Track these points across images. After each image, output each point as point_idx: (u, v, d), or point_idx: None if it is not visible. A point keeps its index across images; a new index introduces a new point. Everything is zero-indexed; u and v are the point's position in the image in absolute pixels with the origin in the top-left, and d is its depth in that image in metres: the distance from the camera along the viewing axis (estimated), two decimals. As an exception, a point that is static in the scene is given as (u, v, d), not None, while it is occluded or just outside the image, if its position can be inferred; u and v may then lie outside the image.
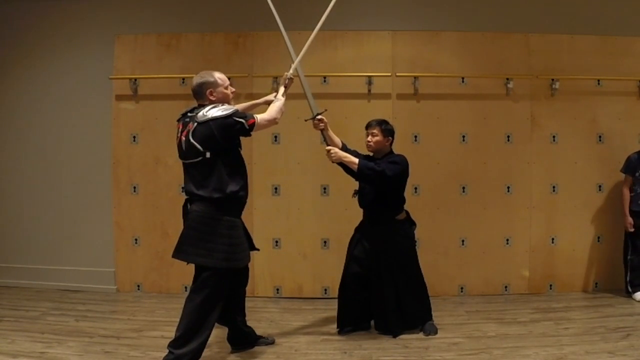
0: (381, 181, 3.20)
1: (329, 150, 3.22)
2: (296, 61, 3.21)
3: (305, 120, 3.36)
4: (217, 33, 4.32)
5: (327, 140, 3.34)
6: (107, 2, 4.41)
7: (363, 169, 3.17)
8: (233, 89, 2.96)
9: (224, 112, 2.72)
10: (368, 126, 3.41)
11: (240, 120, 2.74)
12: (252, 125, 2.78)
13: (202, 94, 2.82)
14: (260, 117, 2.85)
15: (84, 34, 4.41)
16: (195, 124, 2.72)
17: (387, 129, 3.38)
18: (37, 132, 4.49)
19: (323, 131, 3.32)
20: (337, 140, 3.40)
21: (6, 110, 4.55)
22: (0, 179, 4.58)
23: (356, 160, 3.19)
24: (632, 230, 4.12)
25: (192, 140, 2.71)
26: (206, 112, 2.72)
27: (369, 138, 3.38)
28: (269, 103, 3.12)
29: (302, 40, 4.28)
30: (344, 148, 3.38)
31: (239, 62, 4.28)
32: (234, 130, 2.74)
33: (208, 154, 2.69)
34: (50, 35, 4.45)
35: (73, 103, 4.43)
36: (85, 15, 4.42)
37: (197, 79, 2.84)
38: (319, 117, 3.28)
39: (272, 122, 2.93)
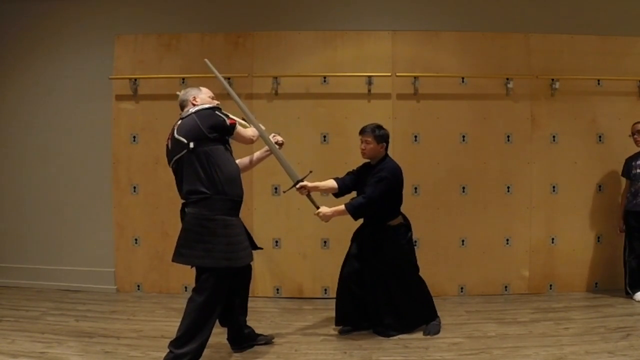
0: (375, 206, 3.25)
1: (317, 215, 3.26)
2: (263, 134, 3.15)
3: (284, 192, 3.38)
4: (217, 33, 4.32)
5: (315, 204, 3.30)
6: (107, 2, 4.41)
7: (355, 212, 3.25)
8: (217, 102, 3.01)
9: (207, 105, 2.85)
10: (361, 132, 3.39)
11: (222, 115, 2.83)
12: (233, 126, 2.85)
13: (186, 101, 2.93)
14: (239, 127, 2.94)
15: (84, 34, 4.42)
16: (179, 121, 2.83)
17: (380, 135, 3.36)
18: (37, 132, 4.50)
19: (308, 196, 3.30)
20: (329, 183, 3.40)
21: (6, 110, 4.55)
22: (0, 179, 4.59)
23: (343, 208, 3.23)
24: (622, 232, 4.16)
25: (176, 135, 2.77)
26: (189, 109, 2.86)
27: (363, 146, 3.38)
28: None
29: (302, 40, 4.32)
30: (339, 183, 3.41)
31: (239, 62, 4.28)
32: (216, 121, 2.78)
33: (192, 144, 2.71)
34: (50, 35, 4.45)
35: (73, 103, 4.43)
36: (85, 15, 4.42)
37: (183, 91, 3.00)
38: (300, 184, 3.24)
39: (248, 140, 3.01)
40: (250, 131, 3.05)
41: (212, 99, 2.98)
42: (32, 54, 4.48)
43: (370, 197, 3.22)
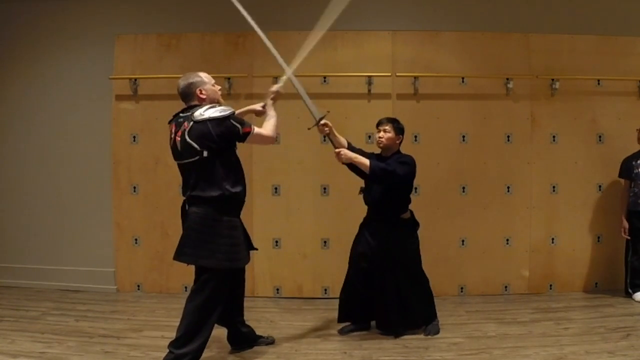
0: (392, 181, 3.22)
1: (338, 152, 3.22)
2: (288, 74, 3.14)
3: (309, 129, 3.34)
4: (217, 33, 4.32)
5: (335, 143, 3.31)
6: (107, 2, 4.41)
7: (375, 169, 3.18)
8: (219, 87, 2.95)
9: (222, 113, 2.71)
10: (379, 124, 3.40)
11: (237, 125, 2.75)
12: (247, 134, 2.78)
13: (192, 94, 2.81)
14: (257, 129, 2.84)
15: (84, 34, 4.42)
16: (192, 122, 2.70)
17: (399, 127, 3.38)
18: (37, 132, 4.49)
19: (329, 135, 3.30)
20: (343, 140, 3.39)
21: (6, 110, 4.55)
22: (0, 179, 4.58)
23: (367, 161, 3.19)
24: (627, 236, 4.13)
25: (188, 139, 2.69)
26: (203, 111, 2.71)
27: (381, 134, 3.36)
28: (256, 113, 3.12)
29: (302, 40, 4.28)
30: (350, 147, 3.38)
31: (239, 62, 4.28)
32: (230, 132, 2.73)
33: (205, 153, 2.67)
34: (50, 35, 4.45)
35: (73, 103, 4.43)
36: (85, 15, 4.42)
37: (182, 81, 2.84)
38: (323, 122, 3.24)
39: (270, 139, 2.92)
40: (270, 128, 2.92)
41: (213, 85, 2.87)
42: (32, 54, 4.48)
43: (395, 169, 3.18)
